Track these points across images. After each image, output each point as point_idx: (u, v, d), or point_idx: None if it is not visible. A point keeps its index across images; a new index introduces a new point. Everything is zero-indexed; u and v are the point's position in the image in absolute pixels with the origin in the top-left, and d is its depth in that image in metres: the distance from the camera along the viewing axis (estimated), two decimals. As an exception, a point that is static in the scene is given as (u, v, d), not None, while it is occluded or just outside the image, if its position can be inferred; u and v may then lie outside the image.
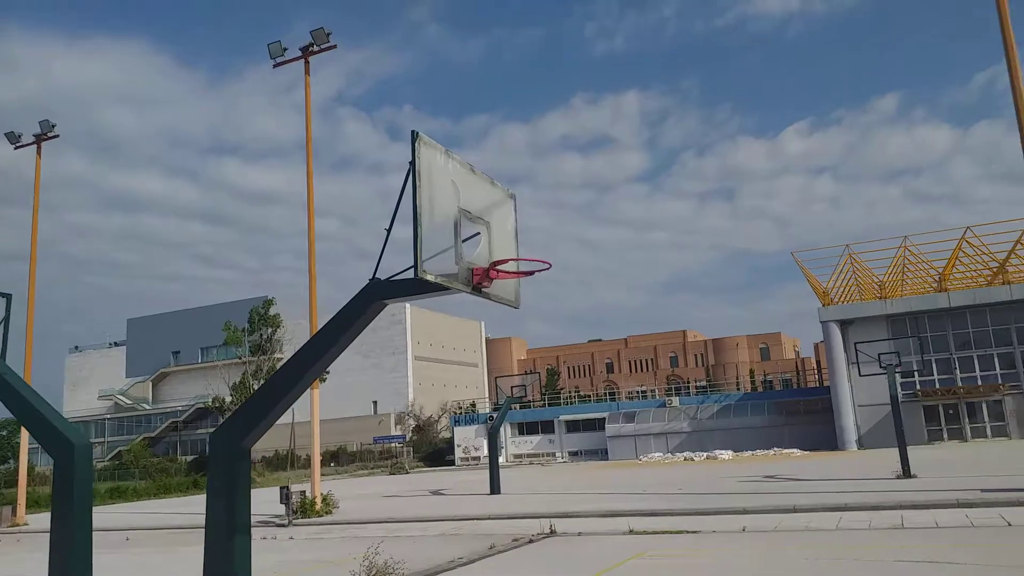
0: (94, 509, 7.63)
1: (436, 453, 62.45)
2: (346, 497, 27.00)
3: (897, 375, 25.38)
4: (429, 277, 5.21)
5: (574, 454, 55.04)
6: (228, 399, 47.07)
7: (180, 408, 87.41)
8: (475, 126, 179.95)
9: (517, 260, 5.92)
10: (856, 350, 29.38)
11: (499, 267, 5.77)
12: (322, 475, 55.38)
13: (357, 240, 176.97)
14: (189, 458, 68.37)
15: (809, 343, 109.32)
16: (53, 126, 25.25)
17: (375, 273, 5.94)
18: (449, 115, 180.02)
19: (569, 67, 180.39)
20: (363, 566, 10.14)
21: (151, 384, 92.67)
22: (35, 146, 25.66)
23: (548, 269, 5.98)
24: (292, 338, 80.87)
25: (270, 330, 44.51)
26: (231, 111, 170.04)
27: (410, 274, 5.46)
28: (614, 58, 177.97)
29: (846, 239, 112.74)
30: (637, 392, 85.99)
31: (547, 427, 56.61)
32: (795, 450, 44.46)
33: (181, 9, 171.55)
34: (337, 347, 6.13)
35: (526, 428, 57.27)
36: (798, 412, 48.81)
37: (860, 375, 30.18)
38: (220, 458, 6.37)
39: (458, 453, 57.77)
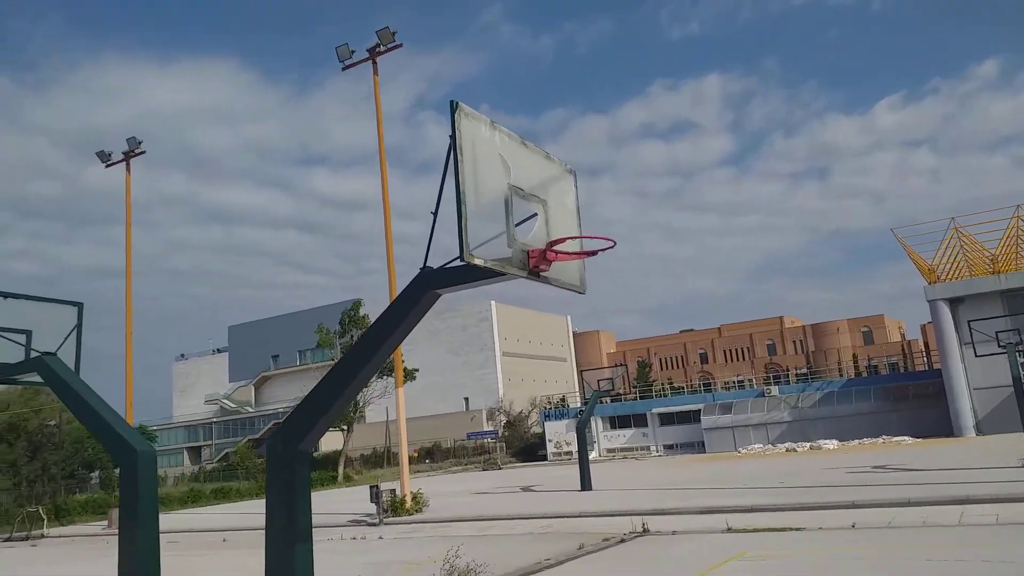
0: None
1: (528, 448, 62.23)
2: (437, 494, 26.94)
3: (1018, 354, 23.38)
4: (478, 261, 4.70)
5: (669, 447, 53.74)
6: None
7: (281, 410, 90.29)
8: (553, 120, 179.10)
9: (575, 238, 5.34)
10: (970, 329, 27.33)
11: (556, 247, 5.20)
12: (416, 472, 56.17)
13: (444, 241, 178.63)
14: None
15: (915, 324, 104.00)
16: (140, 143, 26.14)
17: (425, 262, 5.49)
18: (527, 111, 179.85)
19: (645, 55, 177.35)
20: (444, 569, 9.79)
21: (253, 388, 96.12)
22: (124, 163, 26.60)
23: (612, 247, 5.38)
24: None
25: (360, 331, 45.08)
26: (316, 121, 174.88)
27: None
28: (691, 43, 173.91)
29: (949, 213, 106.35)
30: (734, 382, 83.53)
31: (640, 420, 55.47)
32: (906, 437, 41.99)
33: (264, 28, 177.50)
34: (391, 341, 5.71)
35: (618, 422, 56.29)
36: (907, 397, 46.11)
37: (976, 356, 28.06)
38: (278, 462, 6.06)
39: (550, 448, 57.34)
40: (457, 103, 4.74)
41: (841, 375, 71.47)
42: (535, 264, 5.19)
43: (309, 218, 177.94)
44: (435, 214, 5.08)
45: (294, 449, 6.01)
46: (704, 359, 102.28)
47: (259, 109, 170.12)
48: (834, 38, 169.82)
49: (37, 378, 8.00)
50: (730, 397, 53.76)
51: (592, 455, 53.68)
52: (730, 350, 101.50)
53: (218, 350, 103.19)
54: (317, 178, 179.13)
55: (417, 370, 49.14)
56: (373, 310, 58.41)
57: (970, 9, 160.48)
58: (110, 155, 26.69)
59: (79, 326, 9.01)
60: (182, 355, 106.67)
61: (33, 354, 7.98)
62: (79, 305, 9.08)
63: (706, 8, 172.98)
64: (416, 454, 70.70)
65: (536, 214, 5.46)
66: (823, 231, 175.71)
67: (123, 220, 26.24)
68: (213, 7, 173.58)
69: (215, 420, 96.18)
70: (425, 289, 5.55)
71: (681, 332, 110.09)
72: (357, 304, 48.15)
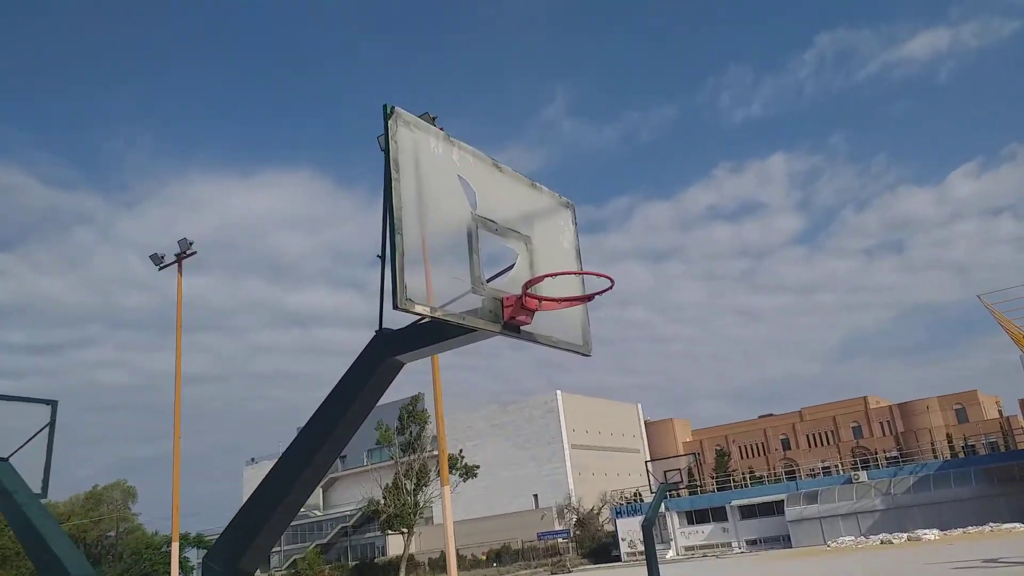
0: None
1: (601, 548, 58.84)
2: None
3: None
4: (421, 310, 3.52)
5: (752, 543, 49.91)
6: (382, 502, 46.55)
7: (348, 513, 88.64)
8: (618, 208, 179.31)
9: (553, 275, 4.10)
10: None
11: (533, 290, 3.99)
12: (484, 576, 53.41)
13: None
14: (353, 564, 68.41)
15: (1013, 399, 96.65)
16: (191, 244, 26.27)
17: (380, 322, 4.34)
18: (592, 201, 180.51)
19: (707, 139, 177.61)
20: None
21: (321, 490, 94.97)
22: (177, 265, 26.69)
23: (611, 288, 4.14)
24: (447, 434, 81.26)
25: (418, 427, 43.99)
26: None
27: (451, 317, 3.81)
28: (753, 124, 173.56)
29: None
30: (819, 468, 78.53)
31: (719, 514, 51.92)
32: (1017, 524, 37.82)
33: (336, 138, 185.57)
34: (344, 426, 4.52)
35: (695, 516, 52.82)
36: (1013, 479, 41.90)
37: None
38: (218, 587, 4.85)
39: (623, 548, 53.99)
40: (393, 107, 3.67)
41: (936, 456, 66.31)
42: (511, 315, 3.97)
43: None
44: (383, 256, 3.92)
45: (234, 570, 4.80)
46: (786, 445, 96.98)
47: (334, 215, 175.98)
48: (901, 110, 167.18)
49: (-14, 487, 7.02)
50: (815, 485, 50.01)
51: (669, 554, 50.29)
52: (813, 434, 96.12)
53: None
54: (388, 278, 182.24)
55: (478, 467, 47.37)
56: (430, 403, 57.28)
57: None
58: (163, 258, 26.87)
59: (52, 425, 8.08)
60: (252, 459, 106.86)
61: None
62: (53, 403, 8.18)
63: (767, 89, 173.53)
64: (484, 556, 67.77)
65: (515, 254, 4.27)
66: (904, 306, 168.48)
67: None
68: (288, 124, 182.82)
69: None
70: (382, 356, 4.38)
71: (761, 417, 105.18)
72: (416, 398, 47.12)
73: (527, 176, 4.61)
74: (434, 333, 4.21)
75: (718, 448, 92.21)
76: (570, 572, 48.64)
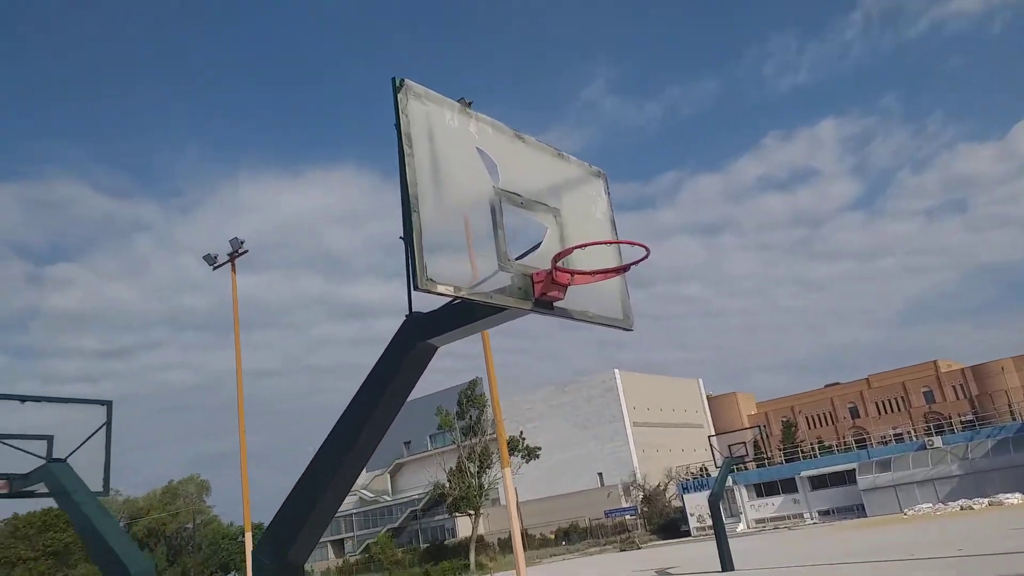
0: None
1: (670, 524, 58.44)
2: (564, 583, 24.84)
3: None
4: (444, 289, 3.36)
5: (824, 513, 48.88)
6: (447, 485, 47.02)
7: (417, 497, 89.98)
8: (665, 184, 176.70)
9: (582, 246, 3.89)
10: None
11: (563, 263, 3.79)
12: (552, 555, 53.68)
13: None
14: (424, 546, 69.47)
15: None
16: (242, 243, 26.71)
17: (410, 306, 4.20)
18: (638, 178, 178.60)
19: (753, 109, 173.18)
20: None
21: (388, 476, 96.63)
22: (230, 264, 27.15)
23: (647, 257, 3.91)
24: (507, 417, 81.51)
25: (477, 411, 44.18)
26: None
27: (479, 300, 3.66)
28: (800, 91, 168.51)
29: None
30: (890, 436, 76.47)
31: (788, 486, 50.96)
32: (1107, 487, 36.18)
33: (377, 132, 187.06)
34: (382, 412, 4.42)
35: (764, 489, 51.96)
36: (1102, 439, 40.04)
37: None
38: (268, 579, 4.82)
39: (692, 523, 53.50)
40: (403, 80, 3.50)
41: (1014, 418, 63.83)
42: (542, 291, 3.77)
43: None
44: (405, 239, 3.77)
45: (283, 562, 4.75)
46: (855, 413, 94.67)
47: (381, 207, 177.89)
48: (956, 66, 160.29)
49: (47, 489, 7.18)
50: (887, 453, 48.64)
51: (739, 527, 49.65)
52: (882, 402, 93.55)
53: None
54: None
55: (539, 448, 47.38)
56: (500, 389, 57.13)
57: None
58: (215, 258, 27.37)
59: (108, 425, 8.23)
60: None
61: (42, 462, 7.17)
62: (108, 404, 8.31)
63: (812, 55, 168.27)
64: (553, 535, 68.03)
65: (544, 228, 4.07)
66: (970, 266, 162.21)
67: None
68: (329, 122, 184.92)
69: (355, 511, 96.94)
70: (414, 340, 4.26)
71: (827, 387, 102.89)
72: (473, 383, 47.32)
73: (555, 147, 4.40)
74: (464, 314, 4.06)
75: (784, 419, 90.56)
76: (639, 548, 48.44)
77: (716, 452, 23.84)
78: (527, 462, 46.69)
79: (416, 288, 3.30)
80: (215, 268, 27.26)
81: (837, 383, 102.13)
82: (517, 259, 3.80)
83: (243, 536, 28.51)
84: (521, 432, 50.69)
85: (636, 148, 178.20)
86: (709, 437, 24.61)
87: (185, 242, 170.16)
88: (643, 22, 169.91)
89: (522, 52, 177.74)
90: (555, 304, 3.90)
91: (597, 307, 4.21)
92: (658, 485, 66.51)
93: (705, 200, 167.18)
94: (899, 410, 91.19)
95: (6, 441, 7.24)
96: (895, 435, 71.55)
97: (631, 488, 69.32)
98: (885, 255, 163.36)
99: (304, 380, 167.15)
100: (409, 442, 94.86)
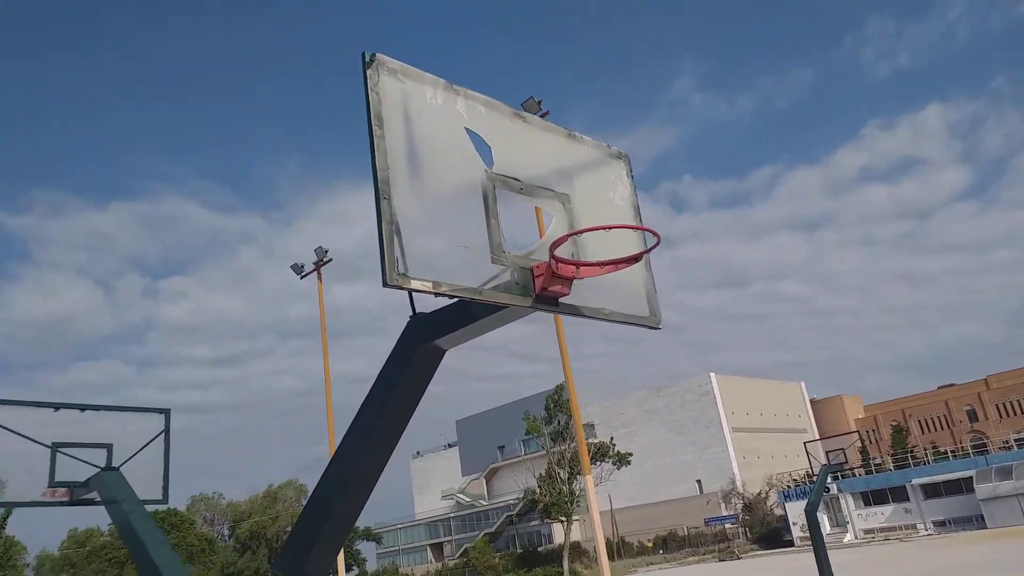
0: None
1: (771, 534, 56.23)
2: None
3: None
4: (419, 285, 3.01)
5: (940, 524, 45.87)
6: (537, 491, 46.69)
7: (512, 502, 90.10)
8: (761, 179, 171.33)
9: (579, 232, 3.46)
10: None
11: (568, 253, 3.38)
12: (648, 564, 52.54)
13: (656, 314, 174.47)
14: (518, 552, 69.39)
15: None
16: (326, 252, 27.24)
17: (413, 307, 3.90)
18: (731, 174, 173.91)
19: (851, 97, 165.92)
20: None
21: (484, 481, 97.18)
22: (316, 273, 27.75)
23: (658, 243, 3.47)
24: (599, 422, 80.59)
25: (566, 416, 43.66)
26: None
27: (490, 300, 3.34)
28: (902, 76, 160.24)
29: None
30: (1012, 441, 71.34)
31: (899, 494, 48.13)
32: None
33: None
34: (392, 420, 4.13)
35: (872, 497, 49.25)
36: None
37: None
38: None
39: (795, 532, 51.26)
40: (373, 55, 3.18)
41: None
42: (543, 285, 3.37)
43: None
44: (380, 230, 3.45)
45: (298, 578, 4.53)
46: (972, 417, 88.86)
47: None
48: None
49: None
50: (1010, 459, 45.21)
51: (846, 538, 47.31)
52: (1004, 404, 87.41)
53: (449, 445, 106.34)
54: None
55: (631, 454, 46.41)
56: (589, 394, 56.50)
57: None
58: (303, 267, 28.06)
59: (166, 433, 8.28)
60: (417, 452, 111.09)
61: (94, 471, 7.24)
62: (166, 412, 8.37)
63: (913, 38, 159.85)
64: (651, 543, 66.68)
65: (549, 216, 3.68)
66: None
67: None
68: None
69: (452, 515, 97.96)
70: (418, 343, 3.93)
71: (940, 388, 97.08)
72: (560, 388, 46.80)
73: (566, 127, 3.99)
74: (464, 313, 3.71)
75: (894, 423, 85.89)
76: (739, 559, 46.77)
77: (812, 459, 22.56)
78: (618, 468, 45.82)
79: (384, 284, 2.97)
80: (302, 277, 27.92)
81: (952, 384, 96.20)
82: (514, 251, 3.41)
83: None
84: (611, 438, 49.81)
85: (729, 144, 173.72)
86: (805, 443, 23.32)
87: (288, 253, 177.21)
88: (730, 13, 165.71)
89: (604, 52, 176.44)
90: (561, 301, 3.49)
91: (616, 303, 3.77)
92: (759, 493, 64.21)
93: (803, 194, 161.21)
94: (1022, 413, 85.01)
95: (63, 450, 7.35)
96: (1017, 440, 66.64)
97: (731, 496, 67.19)
98: (1000, 247, 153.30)
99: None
100: (503, 447, 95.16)
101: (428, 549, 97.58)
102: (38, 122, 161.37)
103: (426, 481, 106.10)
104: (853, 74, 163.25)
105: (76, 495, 7.43)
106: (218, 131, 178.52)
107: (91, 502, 7.56)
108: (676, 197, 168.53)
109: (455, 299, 3.49)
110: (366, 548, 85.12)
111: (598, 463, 41.33)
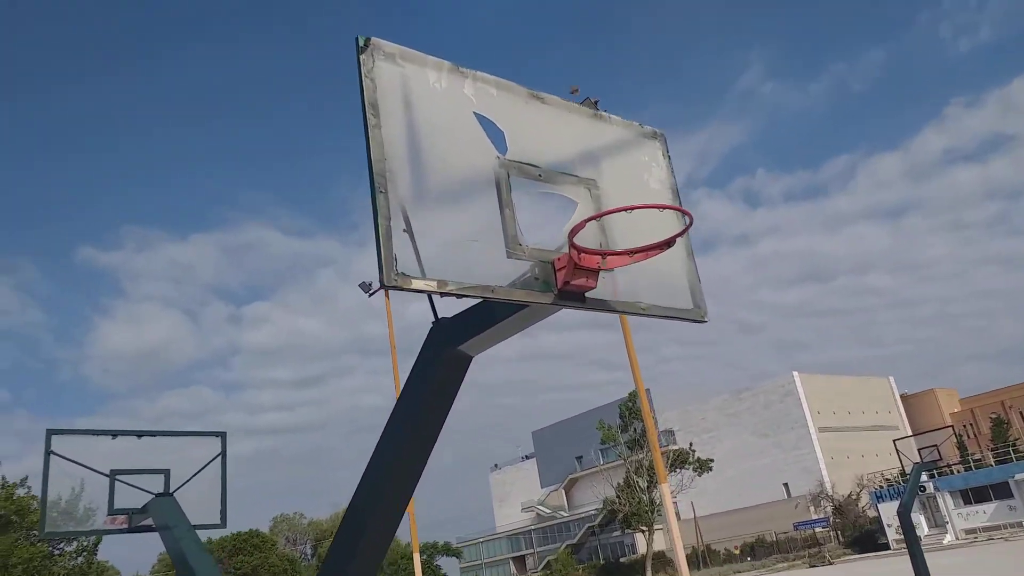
0: None
1: (865, 536, 53.82)
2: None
3: None
4: (420, 286, 2.73)
5: (1050, 522, 43.11)
6: (617, 500, 45.90)
7: (592, 512, 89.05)
8: (838, 168, 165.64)
9: (598, 217, 3.11)
10: None
11: (583, 240, 3.04)
12: (737, 571, 51.01)
13: (736, 314, 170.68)
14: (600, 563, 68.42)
15: None
16: (393, 268, 27.40)
17: (435, 312, 3.64)
18: (806, 165, 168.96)
19: (930, 76, 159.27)
20: None
21: (563, 491, 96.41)
22: (384, 291, 27.94)
23: (691, 224, 3.11)
24: (679, 428, 78.93)
25: (641, 424, 42.79)
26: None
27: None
28: (984, 50, 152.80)
29: None
30: None
31: (1001, 491, 45.44)
32: None
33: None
34: (421, 432, 3.87)
35: (973, 495, 46.65)
36: None
37: None
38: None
39: (890, 535, 48.92)
40: (368, 39, 2.93)
41: None
42: (565, 279, 3.05)
43: (599, 318, 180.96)
44: (409, 231, 3.18)
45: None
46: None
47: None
48: None
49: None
50: (1125, 451, 42.21)
51: (946, 539, 44.94)
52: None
53: (526, 456, 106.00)
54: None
55: (712, 460, 45.19)
56: (665, 399, 55.00)
57: None
58: (371, 285, 28.28)
59: (223, 456, 8.25)
60: (495, 465, 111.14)
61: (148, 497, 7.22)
62: (222, 435, 8.34)
63: (996, 8, 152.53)
64: (738, 550, 64.84)
65: (573, 204, 3.36)
66: None
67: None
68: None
69: (533, 528, 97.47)
70: (442, 349, 3.67)
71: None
72: (632, 394, 45.98)
73: (592, 107, 3.66)
74: (485, 315, 3.42)
75: (993, 416, 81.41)
76: (831, 564, 44.90)
77: (904, 457, 21.37)
78: (699, 475, 44.66)
79: (383, 285, 2.70)
80: (370, 295, 28.14)
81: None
82: (533, 243, 3.10)
83: (421, 555, 29.06)
84: (691, 444, 48.64)
85: (802, 134, 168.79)
86: (894, 441, 22.13)
87: (364, 273, 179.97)
88: None
89: (670, 46, 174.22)
90: (589, 296, 3.16)
91: (653, 295, 3.42)
92: (849, 494, 61.70)
93: (885, 181, 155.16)
94: None
95: (120, 478, 7.36)
96: None
97: (820, 498, 64.77)
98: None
99: (475, 398, 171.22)
100: (581, 457, 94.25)
101: (511, 562, 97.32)
102: (121, 161, 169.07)
103: (505, 494, 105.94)
104: (930, 52, 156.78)
105: (134, 522, 7.43)
106: (292, 157, 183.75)
107: (149, 528, 7.54)
108: (750, 192, 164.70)
109: (476, 300, 3.23)
110: (448, 564, 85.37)
111: (677, 470, 40.29)
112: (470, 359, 3.76)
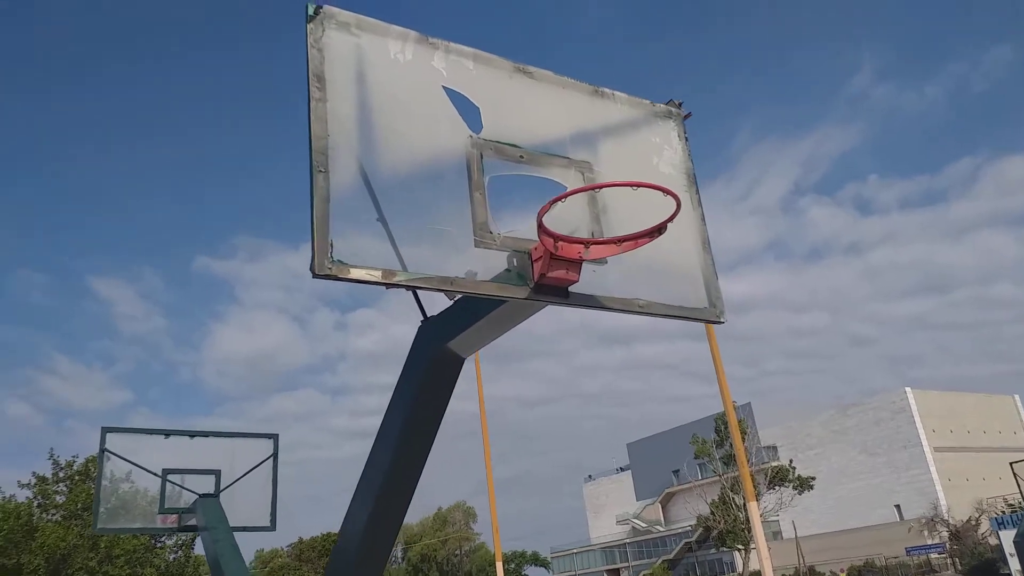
0: None
1: (985, 565, 49.89)
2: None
3: None
4: (360, 275, 2.44)
5: None
6: (712, 517, 44.34)
7: (689, 528, 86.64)
8: (959, 173, 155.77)
9: (563, 198, 2.70)
10: None
11: (557, 224, 2.68)
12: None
13: (849, 327, 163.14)
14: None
15: None
16: (474, 274, 27.35)
17: (422, 310, 3.37)
18: (923, 171, 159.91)
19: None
20: None
21: (660, 505, 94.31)
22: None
23: (678, 210, 2.68)
24: (782, 444, 75.78)
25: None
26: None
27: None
28: None
29: None
30: None
31: None
32: None
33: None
34: (415, 434, 3.61)
35: (1110, 525, 42.56)
36: None
37: None
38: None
39: (1012, 564, 45.18)
40: (319, 7, 2.68)
41: None
42: (542, 271, 2.70)
43: (697, 328, 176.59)
44: (382, 221, 2.92)
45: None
46: None
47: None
48: None
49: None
50: None
51: (1078, 573, 41.07)
52: None
53: (621, 468, 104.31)
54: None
55: (813, 478, 43.05)
56: (767, 414, 52.62)
57: None
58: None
59: (275, 458, 8.22)
60: (590, 476, 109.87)
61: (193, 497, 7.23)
62: (274, 437, 8.32)
63: None
64: (844, 573, 61.61)
65: (561, 188, 2.99)
66: None
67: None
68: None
69: (628, 541, 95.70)
70: (431, 348, 3.39)
71: None
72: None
73: (591, 82, 3.29)
74: (468, 311, 3.11)
75: None
76: (946, 594, 41.91)
77: (1021, 481, 19.60)
78: (799, 493, 42.59)
79: (314, 274, 2.41)
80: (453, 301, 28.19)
81: None
82: (505, 231, 2.76)
83: (512, 563, 28.82)
84: (791, 460, 46.51)
85: (919, 137, 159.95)
86: (1011, 464, 20.34)
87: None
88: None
89: (776, 48, 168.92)
90: (571, 290, 2.79)
91: (654, 292, 3.01)
92: (968, 519, 57.52)
93: (1011, 186, 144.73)
94: None
95: (170, 479, 7.41)
96: None
97: (935, 522, 60.73)
98: None
99: (573, 407, 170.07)
100: (678, 471, 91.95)
101: (604, 575, 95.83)
102: (230, 171, 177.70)
103: (600, 505, 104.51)
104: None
105: (183, 521, 7.47)
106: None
107: (195, 528, 7.57)
108: (861, 199, 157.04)
109: (472, 298, 2.93)
110: (536, 574, 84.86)
111: (777, 488, 38.54)
112: (462, 360, 3.46)
